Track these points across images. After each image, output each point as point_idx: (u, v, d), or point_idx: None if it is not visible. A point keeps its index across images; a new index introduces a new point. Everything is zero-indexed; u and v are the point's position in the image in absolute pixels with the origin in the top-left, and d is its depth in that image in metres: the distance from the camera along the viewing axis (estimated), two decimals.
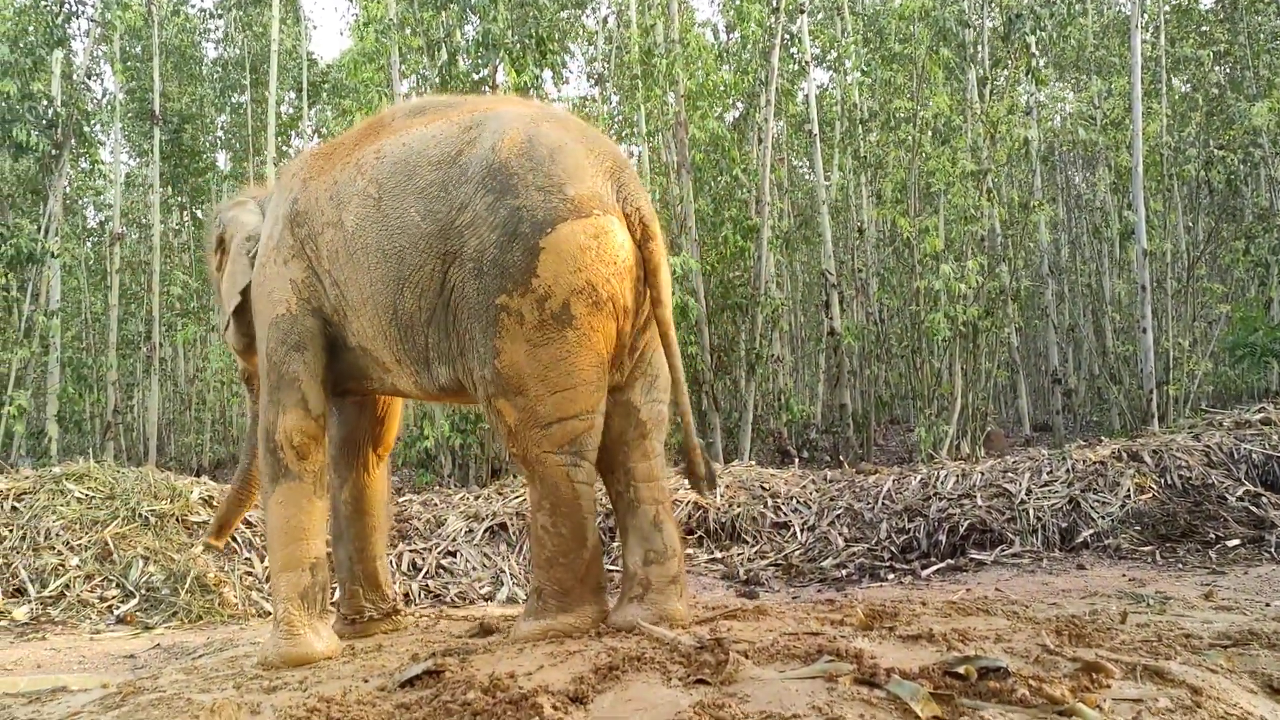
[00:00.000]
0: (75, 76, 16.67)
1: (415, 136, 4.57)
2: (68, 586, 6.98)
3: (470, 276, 4.27)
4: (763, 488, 8.95)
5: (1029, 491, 8.18)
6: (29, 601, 6.82)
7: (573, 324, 4.23)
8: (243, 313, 5.09)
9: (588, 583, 4.45)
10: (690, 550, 8.12)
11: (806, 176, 23.84)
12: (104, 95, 20.40)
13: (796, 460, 13.26)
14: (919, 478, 8.91)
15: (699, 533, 8.30)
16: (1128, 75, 15.21)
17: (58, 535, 7.34)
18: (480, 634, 4.80)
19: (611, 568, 6.79)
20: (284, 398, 4.70)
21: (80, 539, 7.33)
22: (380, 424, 5.34)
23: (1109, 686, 3.16)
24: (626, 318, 4.40)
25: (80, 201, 21.27)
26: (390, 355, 4.64)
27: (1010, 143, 14.94)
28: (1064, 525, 7.78)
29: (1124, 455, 8.58)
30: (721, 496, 8.69)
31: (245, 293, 5.05)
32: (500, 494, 9.06)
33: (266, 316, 4.80)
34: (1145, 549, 7.37)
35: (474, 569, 7.74)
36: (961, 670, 3.30)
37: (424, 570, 7.62)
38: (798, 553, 8.00)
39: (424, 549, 7.90)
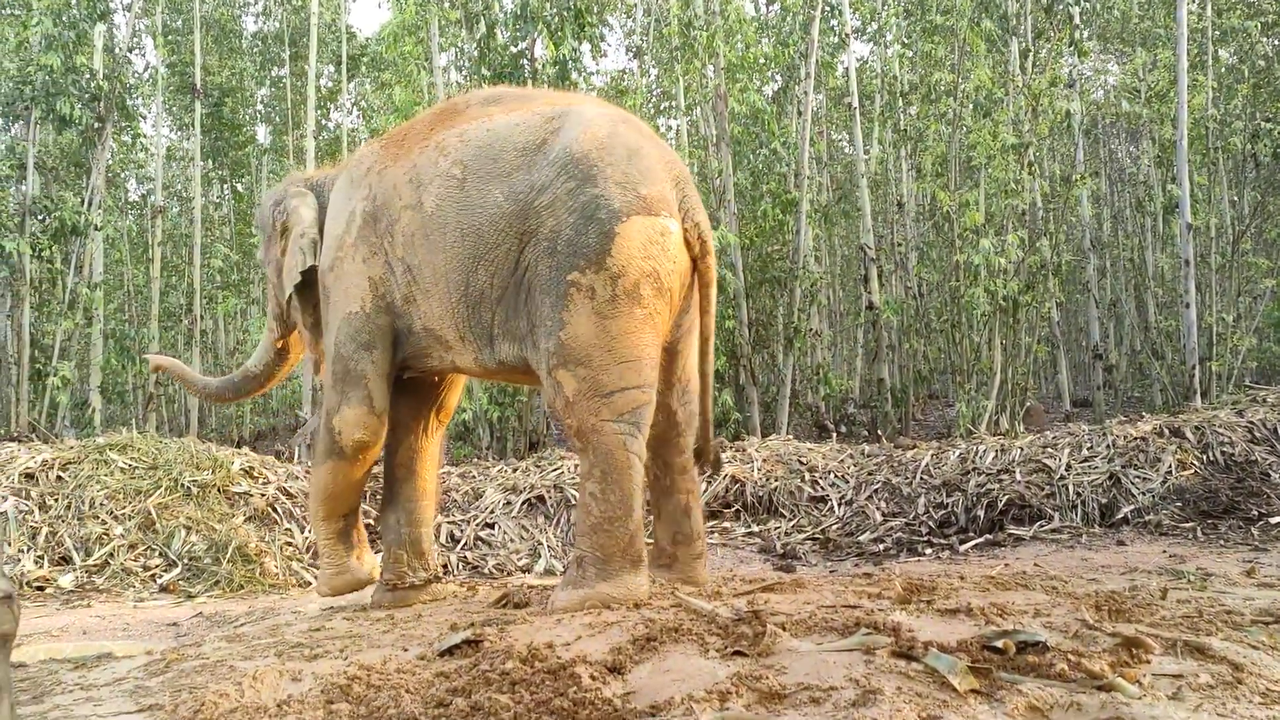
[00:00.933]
0: (117, 50, 16.73)
1: (500, 123, 4.81)
2: (112, 555, 7.06)
3: (544, 254, 4.54)
4: (800, 462, 8.94)
5: (1069, 467, 8.13)
6: (74, 569, 6.91)
7: (641, 302, 4.51)
8: (300, 294, 5.42)
9: (629, 554, 4.54)
10: (727, 524, 8.13)
11: (846, 150, 23.67)
12: (145, 69, 20.56)
13: (834, 435, 13.22)
14: (957, 452, 8.87)
15: (736, 506, 8.31)
16: (1173, 47, 14.97)
17: (102, 505, 7.42)
18: (517, 605, 4.83)
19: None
20: (349, 391, 5.06)
21: (124, 508, 7.42)
22: (443, 390, 5.53)
23: (1149, 662, 3.14)
24: (673, 315, 4.73)
25: (122, 175, 21.41)
26: (454, 333, 4.86)
27: (1052, 116, 14.76)
28: (1104, 501, 7.73)
29: (1166, 431, 8.51)
30: (759, 470, 8.68)
31: (307, 276, 5.36)
32: (538, 466, 9.09)
33: (340, 309, 5.08)
34: (1186, 525, 7.31)
35: (512, 541, 7.77)
36: (1000, 644, 3.29)
37: (462, 542, 7.66)
38: (835, 527, 7.99)
39: (462, 521, 7.94)
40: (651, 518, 5.27)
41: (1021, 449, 8.63)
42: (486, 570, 7.24)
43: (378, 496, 6.30)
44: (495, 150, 4.71)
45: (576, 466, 5.29)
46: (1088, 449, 8.38)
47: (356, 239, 5.03)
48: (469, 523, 7.91)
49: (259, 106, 24.76)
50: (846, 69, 17.69)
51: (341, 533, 5.35)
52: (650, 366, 4.58)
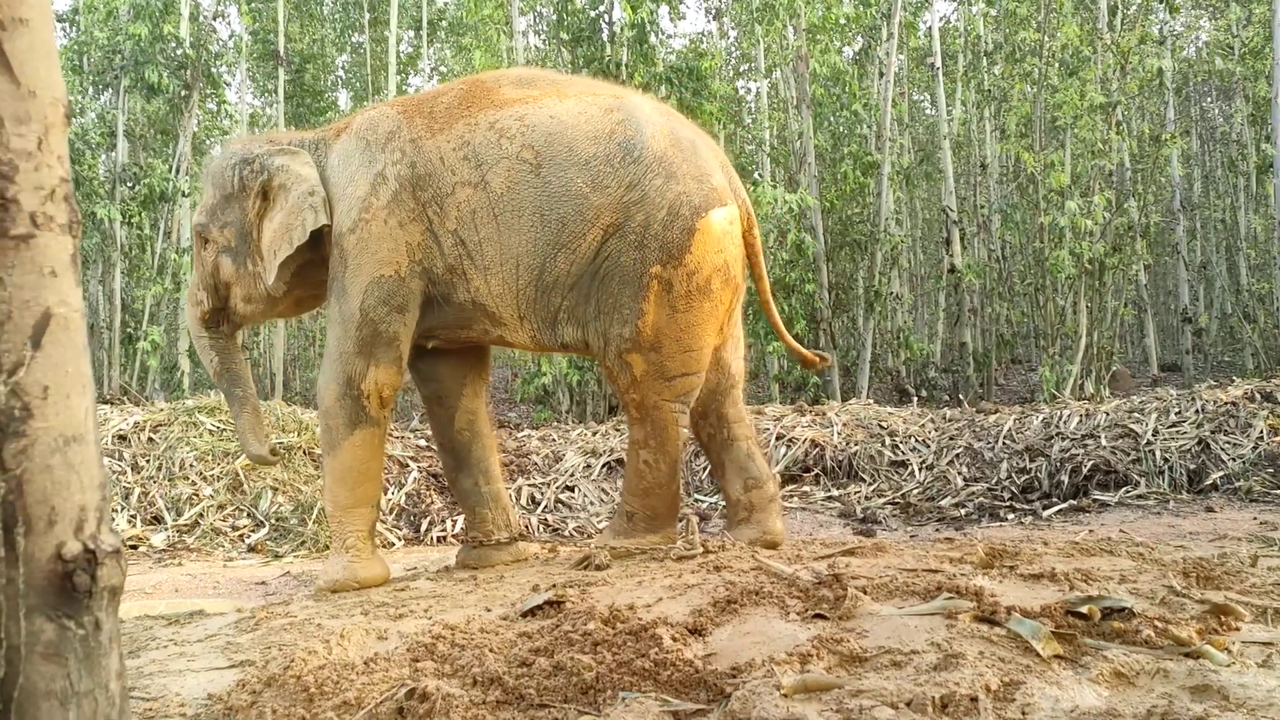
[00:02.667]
0: (202, 18, 16.98)
1: (563, 110, 4.93)
2: (201, 515, 7.22)
3: (631, 247, 4.80)
4: (880, 426, 8.89)
5: (1156, 432, 8.00)
6: (166, 529, 7.07)
7: (709, 296, 4.92)
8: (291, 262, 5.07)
9: (672, 510, 5.21)
10: (807, 488, 8.11)
11: (928, 111, 23.37)
12: (230, 36, 20.77)
13: (915, 399, 13.11)
14: (1041, 417, 8.76)
15: (816, 470, 8.28)
16: (1268, 1, 14.57)
17: (191, 466, 7.59)
18: (599, 567, 4.87)
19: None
20: (379, 353, 4.92)
21: (213, 469, 7.58)
22: (485, 352, 5.55)
23: (1238, 629, 3.09)
24: (737, 292, 5.13)
25: (208, 141, 21.69)
26: (513, 312, 4.94)
27: (1142, 74, 14.45)
28: (1192, 467, 7.60)
29: (1257, 396, 8.34)
30: (839, 434, 8.64)
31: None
32: (617, 430, 9.13)
33: (367, 272, 4.91)
34: (1277, 492, 7.17)
35: (591, 504, 7.82)
36: (1085, 610, 3.25)
37: (542, 505, 7.73)
38: (915, 491, 7.94)
39: (542, 484, 8.01)
40: (716, 480, 5.64)
41: (1107, 414, 8.50)
42: (567, 533, 7.29)
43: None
44: (568, 139, 4.84)
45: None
46: (1175, 414, 8.24)
47: (390, 203, 4.91)
48: (549, 486, 7.97)
49: (339, 73, 24.96)
50: (929, 28, 17.45)
51: (371, 527, 5.12)
52: (708, 354, 5.04)
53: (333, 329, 5.04)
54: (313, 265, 5.07)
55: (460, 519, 7.21)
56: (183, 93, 15.55)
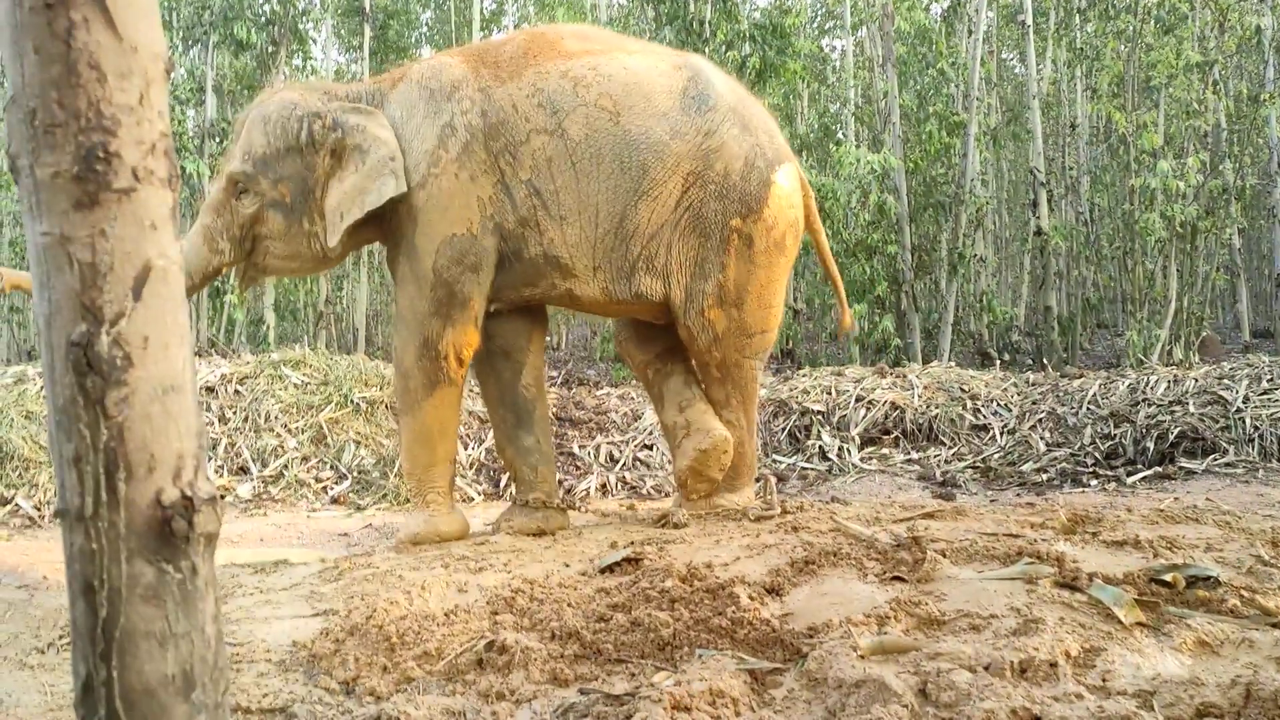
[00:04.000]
0: None
1: (633, 63, 4.97)
2: (286, 467, 7.35)
3: (711, 197, 4.87)
4: (961, 389, 8.79)
5: (1246, 399, 7.82)
6: (252, 480, 7.21)
7: (784, 251, 5.07)
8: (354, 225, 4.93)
9: (752, 471, 5.38)
10: (886, 450, 8.06)
11: (1017, 70, 22.94)
12: None
13: (997, 363, 12.95)
14: (1127, 382, 8.62)
15: (895, 433, 8.23)
16: None
17: (276, 418, 7.72)
18: (676, 525, 4.90)
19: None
20: (455, 314, 4.86)
21: (297, 422, 7.70)
22: (544, 310, 5.45)
23: None
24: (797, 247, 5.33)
25: None
26: (588, 263, 4.89)
27: (1241, 32, 14.06)
28: None
29: None
30: (919, 397, 8.57)
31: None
32: None
33: (439, 230, 4.82)
34: None
35: (669, 463, 7.85)
36: (1168, 578, 3.23)
37: (621, 463, 7.76)
38: (996, 456, 7.86)
39: (621, 442, 8.04)
40: (656, 412, 5.65)
41: (1195, 380, 8.33)
42: (645, 491, 7.33)
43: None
44: (645, 89, 4.87)
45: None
46: (1268, 381, 8.05)
47: (460, 155, 4.79)
48: (628, 444, 8.00)
49: (424, 29, 25.04)
50: None
51: (451, 482, 5.19)
52: (781, 311, 5.26)
53: (404, 289, 4.97)
54: (357, 225, 4.90)
55: None
56: (270, 49, 15.71)
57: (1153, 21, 14.59)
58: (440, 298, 4.85)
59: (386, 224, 4.97)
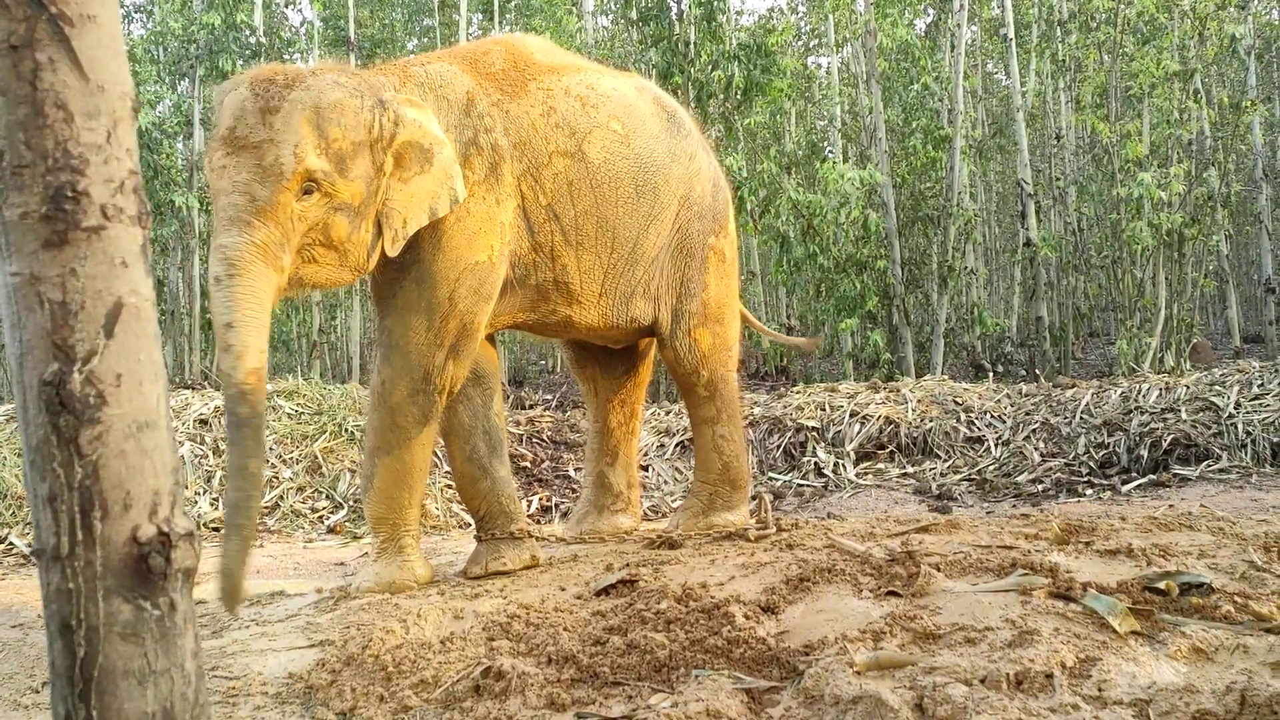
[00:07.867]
0: (274, 6, 17.17)
1: (620, 84, 4.94)
2: (281, 498, 7.33)
3: (695, 218, 4.96)
4: (955, 402, 8.80)
5: (1238, 405, 7.84)
6: None
7: (735, 262, 5.28)
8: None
9: (747, 486, 5.36)
10: (881, 465, 8.07)
11: (1002, 83, 23.05)
12: (302, 24, 20.99)
13: (990, 374, 12.97)
14: (1119, 391, 8.63)
15: (890, 447, 8.23)
16: None
17: (271, 449, 7.70)
18: (671, 545, 4.88)
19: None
20: (462, 346, 4.39)
21: (292, 452, 7.69)
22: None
23: None
24: None
25: None
26: (596, 288, 4.67)
27: (1220, 40, 14.14)
28: (1275, 440, 7.44)
29: None
30: (913, 411, 8.58)
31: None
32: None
33: (463, 256, 4.34)
34: None
35: (665, 483, 7.85)
36: (1162, 585, 3.22)
37: None
38: (991, 467, 7.87)
39: None
40: (599, 465, 5.51)
41: (1187, 387, 8.35)
42: (641, 512, 7.31)
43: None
44: (639, 111, 4.85)
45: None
46: (1258, 386, 8.07)
47: (487, 176, 4.38)
48: None
49: (410, 57, 25.14)
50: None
51: (419, 522, 4.71)
52: None
53: (405, 317, 4.37)
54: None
55: (535, 500, 7.32)
56: None
57: (1133, 32, 14.67)
58: (452, 329, 4.35)
59: None
